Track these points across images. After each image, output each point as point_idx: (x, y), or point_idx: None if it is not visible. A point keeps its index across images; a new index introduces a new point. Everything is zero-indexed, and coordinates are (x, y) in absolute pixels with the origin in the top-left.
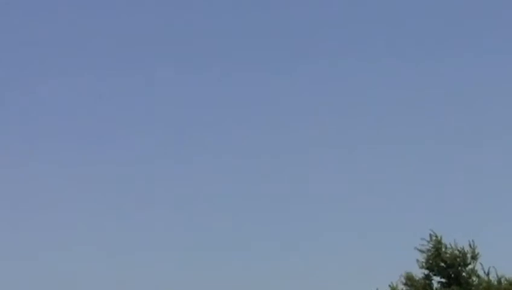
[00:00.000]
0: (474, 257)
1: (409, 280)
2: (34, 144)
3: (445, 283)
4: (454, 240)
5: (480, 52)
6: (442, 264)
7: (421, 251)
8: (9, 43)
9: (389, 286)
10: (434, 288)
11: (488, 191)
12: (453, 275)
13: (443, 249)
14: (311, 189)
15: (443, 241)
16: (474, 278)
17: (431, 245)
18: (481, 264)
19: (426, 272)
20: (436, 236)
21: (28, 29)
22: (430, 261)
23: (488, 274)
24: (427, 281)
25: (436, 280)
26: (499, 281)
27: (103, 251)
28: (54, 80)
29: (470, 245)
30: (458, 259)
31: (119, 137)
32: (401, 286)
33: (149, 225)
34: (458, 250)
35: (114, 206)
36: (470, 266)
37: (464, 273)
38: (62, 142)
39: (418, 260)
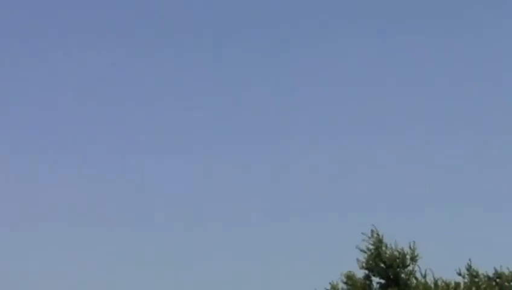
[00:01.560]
0: (414, 259)
1: (349, 280)
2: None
3: (384, 283)
4: (395, 240)
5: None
6: (382, 265)
7: (362, 251)
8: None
9: (330, 283)
10: (373, 288)
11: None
12: (392, 276)
13: (383, 249)
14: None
15: (384, 240)
16: (412, 280)
17: (371, 242)
18: (418, 266)
19: (366, 272)
20: (378, 234)
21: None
22: (370, 262)
23: (425, 276)
24: (367, 282)
25: (375, 281)
26: (436, 284)
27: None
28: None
29: (410, 247)
30: (397, 260)
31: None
32: (341, 285)
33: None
34: (398, 251)
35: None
36: (409, 268)
37: (402, 275)
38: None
39: (358, 260)
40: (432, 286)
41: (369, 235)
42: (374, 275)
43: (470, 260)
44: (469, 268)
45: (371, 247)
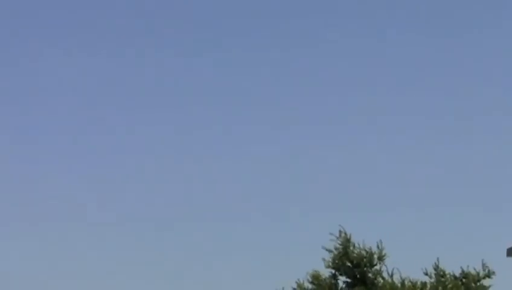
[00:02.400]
0: (381, 258)
1: (315, 279)
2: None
3: (351, 283)
4: (363, 240)
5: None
6: (349, 264)
7: (328, 250)
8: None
9: (296, 282)
10: (339, 288)
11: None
12: (358, 276)
13: (351, 248)
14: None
15: (352, 239)
16: (379, 279)
17: (339, 242)
18: (385, 265)
19: (332, 271)
20: (345, 233)
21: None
22: (337, 261)
23: (391, 276)
24: (333, 281)
25: (342, 280)
26: (403, 283)
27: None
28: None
29: (377, 246)
30: (365, 259)
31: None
32: (307, 284)
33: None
34: (365, 250)
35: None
36: (376, 267)
37: (369, 274)
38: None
39: (324, 259)
40: (399, 285)
41: (337, 235)
42: (340, 274)
43: (437, 259)
44: (436, 268)
45: (339, 246)
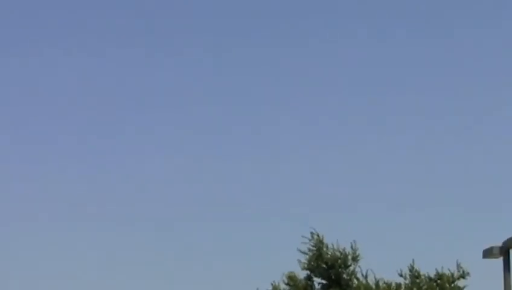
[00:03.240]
0: (355, 259)
1: (291, 280)
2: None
3: (326, 284)
4: (337, 240)
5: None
6: (323, 265)
7: (303, 253)
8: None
9: (271, 284)
10: (315, 289)
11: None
12: (333, 277)
13: (324, 249)
14: None
15: (325, 241)
16: (354, 280)
17: (312, 244)
18: (360, 267)
19: (308, 272)
20: (318, 235)
21: None
22: (312, 263)
23: (366, 277)
24: (309, 282)
25: (317, 281)
26: (377, 284)
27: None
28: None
29: (351, 246)
30: (339, 260)
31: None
32: (283, 286)
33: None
34: (339, 251)
35: None
36: (351, 268)
37: (344, 275)
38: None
39: (299, 261)
40: (373, 286)
41: (309, 237)
42: (315, 276)
43: (413, 260)
44: (411, 269)
45: (313, 248)
